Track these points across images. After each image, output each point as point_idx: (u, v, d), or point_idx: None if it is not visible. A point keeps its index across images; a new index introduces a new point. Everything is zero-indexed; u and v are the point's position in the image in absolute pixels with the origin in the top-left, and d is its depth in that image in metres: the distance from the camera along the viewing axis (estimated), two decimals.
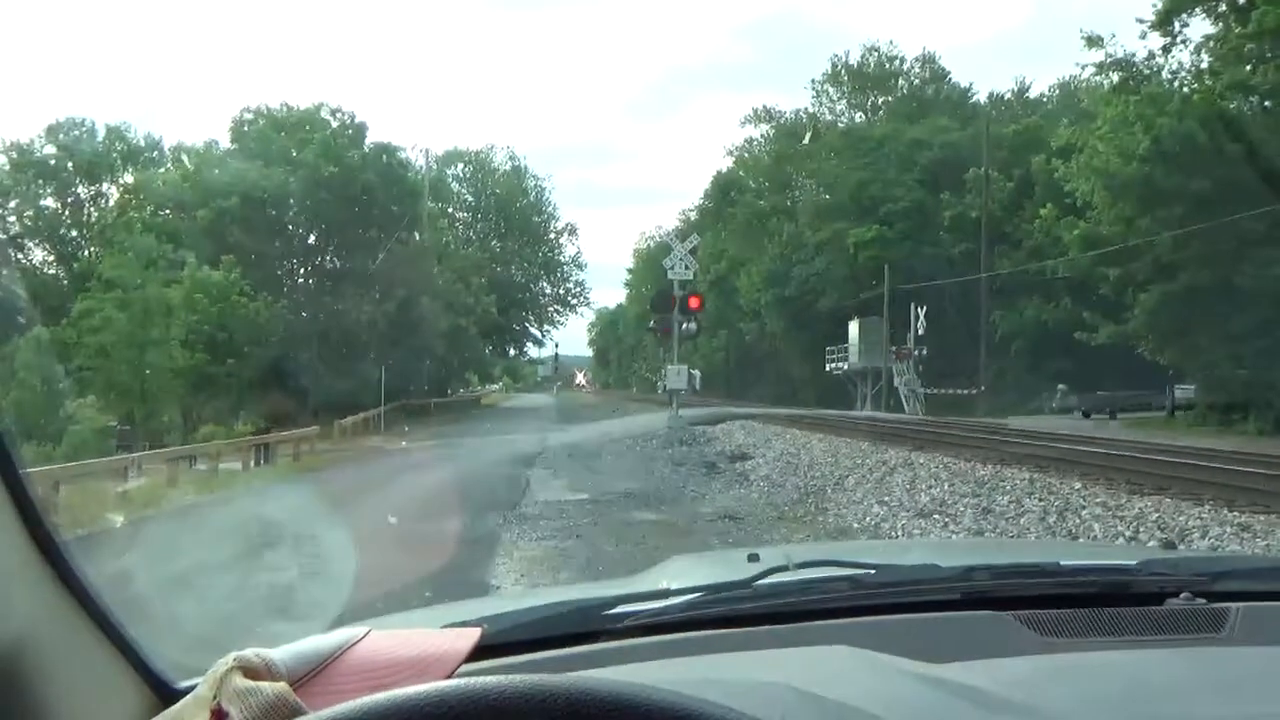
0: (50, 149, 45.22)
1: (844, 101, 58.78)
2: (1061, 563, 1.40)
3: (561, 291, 74.06)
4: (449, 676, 0.93)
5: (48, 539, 0.85)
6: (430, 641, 0.96)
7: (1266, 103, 22.10)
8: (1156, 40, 23.96)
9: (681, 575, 1.81)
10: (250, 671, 0.82)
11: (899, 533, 9.68)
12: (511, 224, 70.13)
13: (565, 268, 73.64)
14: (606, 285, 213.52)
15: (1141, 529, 8.83)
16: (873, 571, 1.28)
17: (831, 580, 1.25)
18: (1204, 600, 1.19)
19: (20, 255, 43.17)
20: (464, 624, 1.14)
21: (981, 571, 1.28)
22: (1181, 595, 1.20)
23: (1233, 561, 1.39)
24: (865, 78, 57.32)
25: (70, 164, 45.26)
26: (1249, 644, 1.09)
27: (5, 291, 38.46)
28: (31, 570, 0.83)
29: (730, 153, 65.24)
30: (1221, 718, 0.93)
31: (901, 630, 1.11)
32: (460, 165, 70.03)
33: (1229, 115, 21.87)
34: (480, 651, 1.04)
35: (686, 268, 25.36)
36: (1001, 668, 0.99)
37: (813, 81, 59.87)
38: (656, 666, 1.01)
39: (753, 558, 1.61)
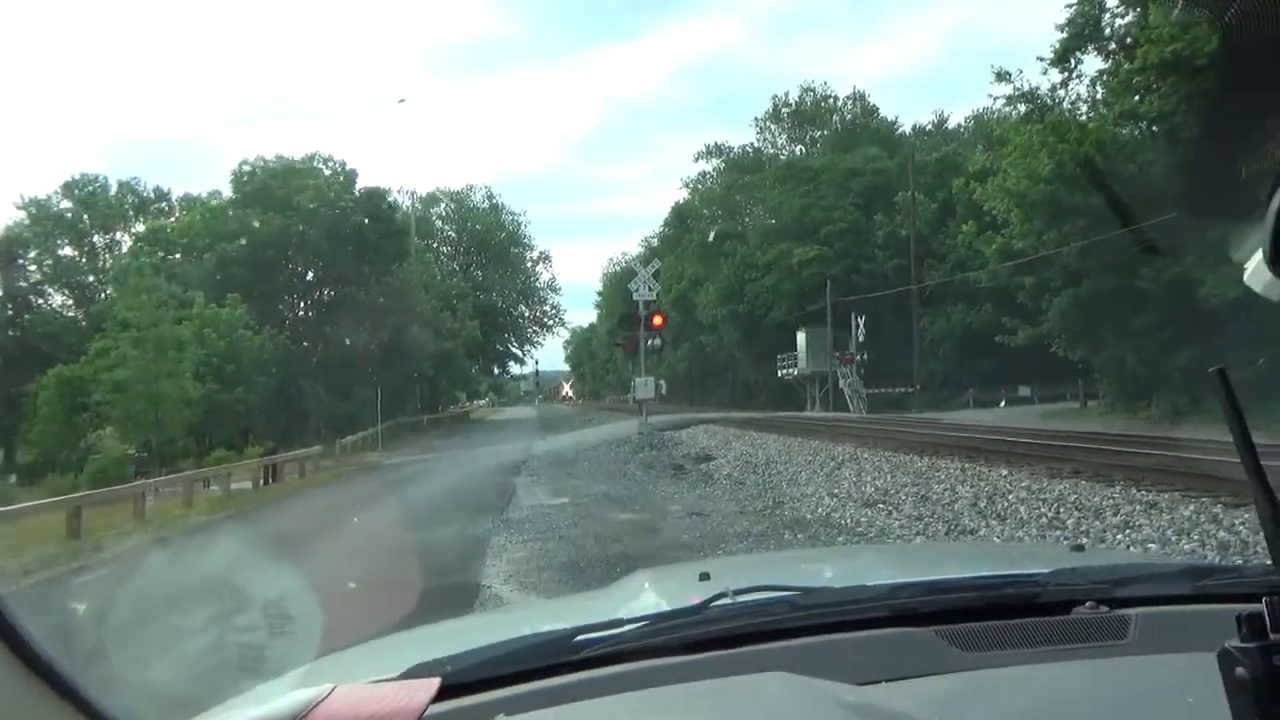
0: (67, 203, 44.52)
1: (785, 136, 59.36)
2: (980, 574, 1.38)
3: (539, 314, 74.09)
4: None
5: None
6: (392, 695, 0.92)
7: (1153, 128, 22.54)
8: (1056, 75, 24.50)
9: (640, 594, 1.80)
10: None
11: (849, 521, 9.68)
12: (491, 255, 70.00)
13: (541, 292, 73.73)
14: (579, 307, 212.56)
15: (1062, 509, 8.88)
16: (806, 593, 1.25)
17: (769, 603, 1.22)
18: (1106, 608, 1.18)
19: (41, 300, 42.43)
20: (433, 661, 1.10)
21: (904, 589, 1.26)
22: (1086, 604, 1.19)
23: (1131, 568, 1.37)
24: (803, 115, 57.88)
25: (86, 216, 44.56)
26: (1148, 651, 1.07)
27: (27, 335, 37.69)
28: None
29: (686, 185, 65.66)
30: None
31: (833, 651, 1.09)
32: (443, 204, 69.94)
33: (1121, 140, 22.29)
34: (444, 692, 1.01)
35: (650, 289, 25.33)
36: (923, 687, 0.97)
37: (756, 119, 60.43)
38: (610, 702, 0.98)
39: (703, 576, 1.59)
